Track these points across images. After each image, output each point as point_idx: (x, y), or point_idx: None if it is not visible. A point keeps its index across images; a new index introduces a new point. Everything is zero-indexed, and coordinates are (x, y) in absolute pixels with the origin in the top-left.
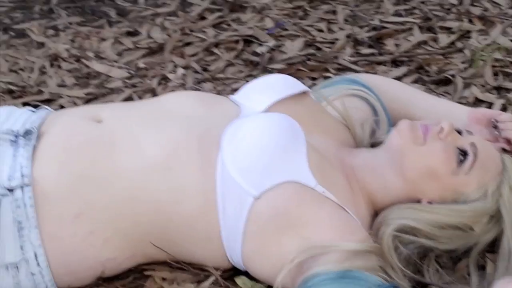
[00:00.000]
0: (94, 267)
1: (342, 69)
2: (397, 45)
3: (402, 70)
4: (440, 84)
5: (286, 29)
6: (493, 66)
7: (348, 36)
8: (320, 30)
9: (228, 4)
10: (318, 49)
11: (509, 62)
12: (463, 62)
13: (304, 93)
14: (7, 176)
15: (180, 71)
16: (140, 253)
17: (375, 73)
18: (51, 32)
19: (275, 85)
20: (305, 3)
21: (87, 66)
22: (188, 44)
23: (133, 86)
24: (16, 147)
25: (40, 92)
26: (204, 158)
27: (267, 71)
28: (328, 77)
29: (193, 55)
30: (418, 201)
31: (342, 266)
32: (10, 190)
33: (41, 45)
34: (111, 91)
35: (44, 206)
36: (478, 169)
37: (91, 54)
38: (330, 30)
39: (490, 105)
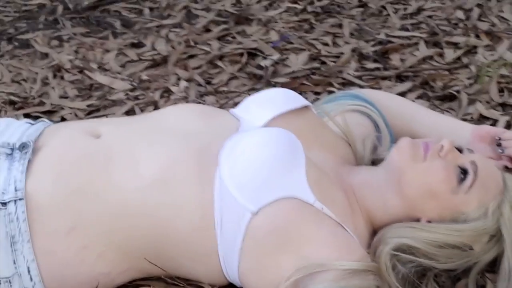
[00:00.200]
0: (88, 282)
1: (346, 83)
2: (402, 60)
3: (407, 85)
4: (445, 100)
5: (291, 43)
6: (499, 82)
7: (353, 50)
8: (326, 44)
9: (233, 17)
10: (323, 63)
11: None
12: (468, 78)
13: (305, 107)
14: (1, 190)
15: (183, 84)
16: (135, 268)
17: (380, 88)
18: (55, 42)
19: (276, 99)
20: (311, 17)
21: (90, 78)
22: (192, 56)
23: (136, 98)
24: (12, 160)
25: (41, 103)
26: (202, 173)
27: (270, 84)
28: (332, 92)
29: (196, 68)
30: (417, 220)
31: (338, 285)
32: (3, 204)
33: (44, 55)
34: (113, 103)
35: (37, 220)
36: (478, 188)
37: (94, 66)
38: (336, 44)
39: (494, 122)
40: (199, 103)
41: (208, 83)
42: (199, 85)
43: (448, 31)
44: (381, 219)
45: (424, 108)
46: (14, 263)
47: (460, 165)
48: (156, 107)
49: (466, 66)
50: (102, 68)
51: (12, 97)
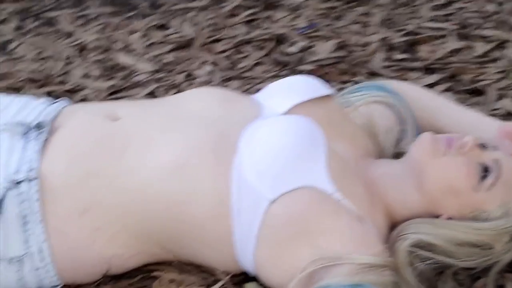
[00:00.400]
0: (99, 264)
1: (373, 74)
2: (431, 51)
3: (434, 78)
4: (472, 94)
5: (318, 30)
6: None
7: (381, 40)
8: (354, 33)
9: (262, 1)
10: (350, 52)
11: None
12: (497, 73)
13: (328, 96)
14: (14, 169)
15: (207, 67)
16: (147, 252)
17: (406, 80)
18: (80, 21)
19: (299, 87)
20: (340, 4)
21: (113, 58)
22: (218, 40)
23: (158, 81)
24: (27, 140)
25: (63, 82)
26: (220, 159)
27: (295, 71)
28: (357, 82)
29: (222, 52)
30: (437, 217)
31: (353, 280)
32: (17, 183)
33: (69, 34)
34: (135, 85)
35: (51, 200)
36: (500, 186)
37: (119, 46)
38: (364, 33)
39: None
40: (223, 87)
41: (233, 68)
42: (223, 69)
43: (478, 24)
44: (401, 213)
45: (450, 102)
46: (26, 243)
47: (482, 162)
48: (179, 90)
49: (495, 60)
50: (126, 49)
51: (34, 75)
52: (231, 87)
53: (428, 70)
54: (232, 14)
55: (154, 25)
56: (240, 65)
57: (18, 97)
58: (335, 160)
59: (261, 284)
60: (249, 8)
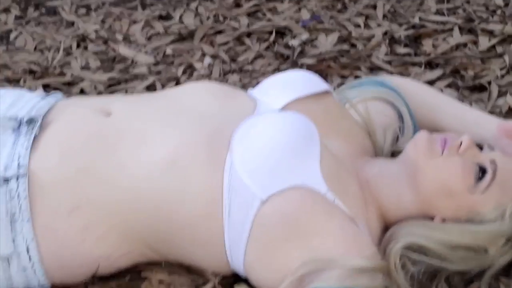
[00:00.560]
0: (88, 263)
1: (374, 68)
2: (434, 46)
3: (437, 73)
4: (475, 90)
5: (321, 22)
6: None
7: (385, 33)
8: (357, 25)
9: None
10: (353, 45)
11: None
12: (501, 69)
13: (326, 92)
14: (4, 166)
15: (207, 60)
16: (136, 252)
17: (408, 75)
18: (82, 11)
19: (296, 82)
20: None
21: (113, 50)
22: (219, 32)
23: (158, 73)
24: (18, 135)
25: (62, 73)
26: (213, 157)
27: (296, 65)
28: (359, 76)
29: (223, 44)
30: (431, 218)
31: (344, 284)
32: (6, 180)
33: (70, 24)
34: (134, 77)
35: (40, 198)
36: (496, 188)
37: (119, 37)
38: (367, 26)
39: None
40: (221, 81)
41: (233, 60)
42: (224, 62)
43: (484, 18)
44: (394, 214)
45: (451, 99)
46: (13, 241)
47: (478, 163)
48: (178, 83)
49: (500, 55)
50: (127, 40)
51: (33, 66)
52: (230, 81)
53: (431, 64)
54: (235, 5)
55: (156, 16)
56: (241, 58)
57: (12, 90)
58: (329, 158)
59: (251, 286)
60: None
